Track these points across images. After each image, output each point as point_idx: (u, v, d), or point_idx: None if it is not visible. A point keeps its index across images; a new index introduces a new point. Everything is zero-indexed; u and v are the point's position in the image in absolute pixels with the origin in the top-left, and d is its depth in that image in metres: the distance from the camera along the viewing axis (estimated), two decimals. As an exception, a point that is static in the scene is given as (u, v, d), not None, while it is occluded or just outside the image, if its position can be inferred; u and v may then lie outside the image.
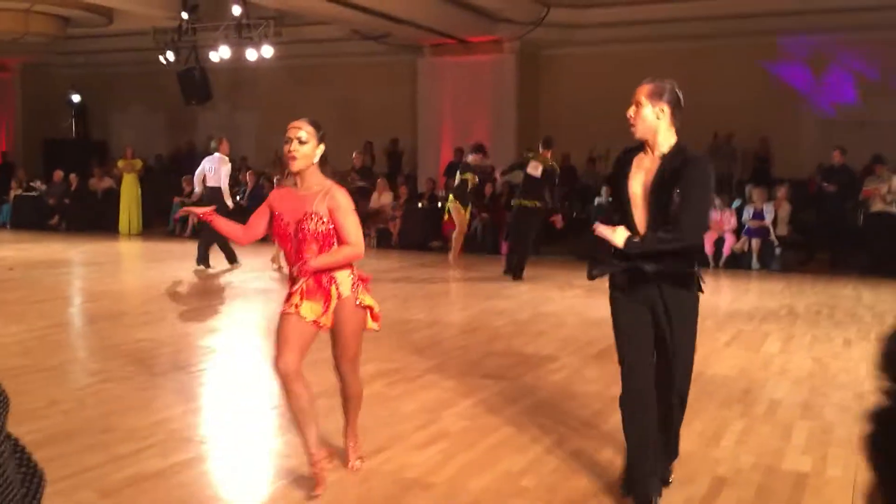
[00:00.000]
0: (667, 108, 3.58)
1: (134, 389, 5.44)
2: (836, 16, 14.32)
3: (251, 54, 16.58)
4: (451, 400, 5.27)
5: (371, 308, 3.95)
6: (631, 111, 3.64)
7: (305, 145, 3.65)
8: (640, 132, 3.61)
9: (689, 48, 16.39)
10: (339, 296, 3.79)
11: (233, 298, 9.55)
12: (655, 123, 3.57)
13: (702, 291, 3.69)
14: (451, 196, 12.35)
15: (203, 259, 11.30)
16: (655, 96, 3.59)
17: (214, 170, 11.28)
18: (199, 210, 4.05)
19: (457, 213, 12.25)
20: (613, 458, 4.26)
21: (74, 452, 4.21)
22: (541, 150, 11.17)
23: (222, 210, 11.57)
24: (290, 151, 3.64)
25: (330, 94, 19.39)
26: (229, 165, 11.57)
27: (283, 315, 3.80)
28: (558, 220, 10.98)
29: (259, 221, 3.88)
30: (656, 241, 3.46)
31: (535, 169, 10.91)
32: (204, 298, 9.56)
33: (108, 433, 4.54)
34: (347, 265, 3.82)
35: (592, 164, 17.08)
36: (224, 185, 11.25)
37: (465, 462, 4.17)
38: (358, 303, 3.87)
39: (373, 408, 5.06)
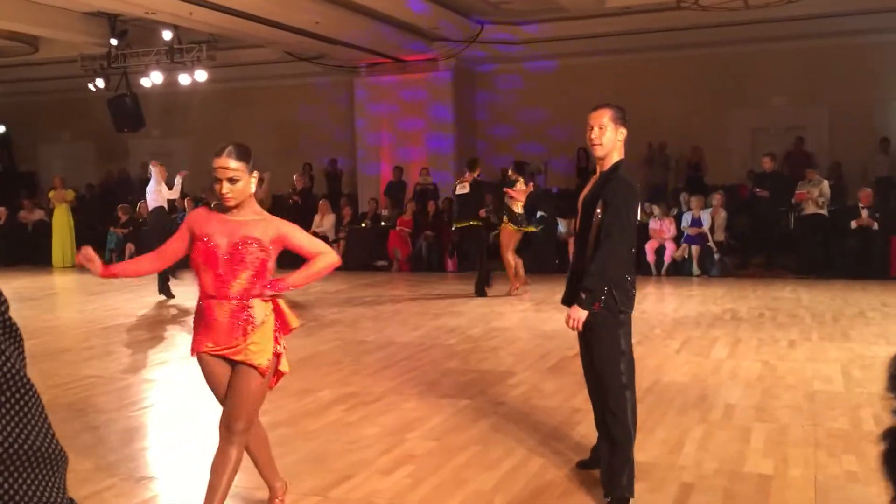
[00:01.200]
0: (624, 131, 3.90)
1: (84, 429, 5.26)
2: (761, 26, 14.79)
3: (184, 79, 16.34)
4: (414, 422, 5.24)
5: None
6: (595, 133, 3.85)
7: (238, 183, 3.35)
8: (602, 152, 3.88)
9: (621, 61, 16.75)
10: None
11: (177, 328, 9.34)
12: (615, 145, 3.87)
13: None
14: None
15: (163, 289, 11.23)
16: (618, 120, 3.88)
17: (155, 191, 11.50)
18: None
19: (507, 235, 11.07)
20: (582, 472, 4.28)
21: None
22: (467, 174, 11.38)
23: (168, 229, 11.50)
24: (223, 194, 3.35)
25: (266, 117, 19.23)
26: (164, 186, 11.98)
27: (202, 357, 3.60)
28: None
29: (178, 245, 3.57)
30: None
31: (462, 188, 11.22)
32: (149, 330, 9.32)
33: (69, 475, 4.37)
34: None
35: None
36: (168, 195, 11.86)
37: (434, 485, 4.14)
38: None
39: (333, 434, 5.01)
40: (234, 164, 3.35)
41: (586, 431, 4.95)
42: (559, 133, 16.93)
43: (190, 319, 9.74)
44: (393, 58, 17.10)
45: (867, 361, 6.70)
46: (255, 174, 3.45)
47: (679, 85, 16.52)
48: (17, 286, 13.55)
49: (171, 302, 11.07)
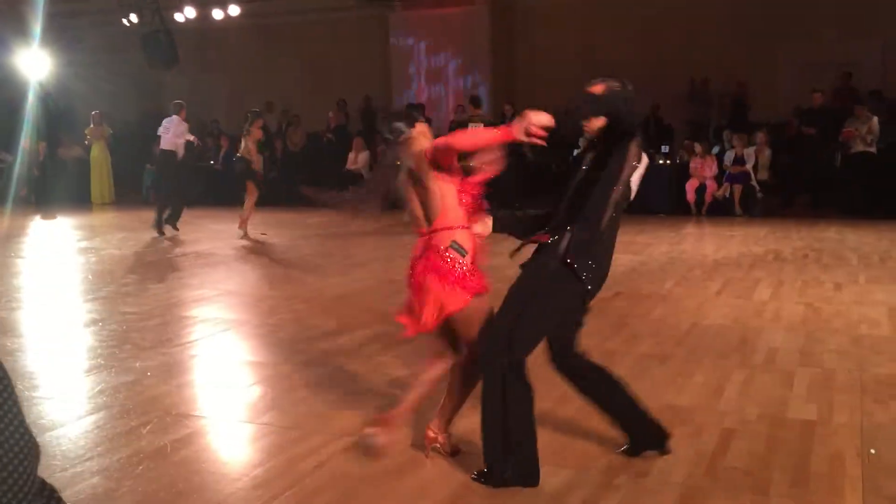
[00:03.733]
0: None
1: (124, 366, 5.30)
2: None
3: (217, 14, 16.15)
4: (448, 362, 5.19)
5: None
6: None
7: None
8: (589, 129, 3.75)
9: (663, -5, 16.18)
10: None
11: (211, 266, 9.37)
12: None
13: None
14: None
15: (172, 219, 11.48)
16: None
17: (171, 132, 11.42)
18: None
19: None
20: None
21: (68, 433, 4.09)
22: (472, 108, 12.51)
23: (173, 172, 11.58)
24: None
25: (300, 53, 19.00)
26: (186, 125, 11.93)
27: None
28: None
29: None
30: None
31: (475, 125, 11.58)
32: (182, 268, 9.37)
33: (102, 412, 4.41)
34: None
35: (566, 116, 16.87)
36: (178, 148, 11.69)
37: (468, 424, 4.09)
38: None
39: (367, 374, 4.98)
40: None
41: (624, 373, 4.87)
42: (601, 71, 16.45)
43: (223, 259, 9.79)
44: (428, -10, 16.71)
45: (916, 305, 6.50)
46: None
47: (724, 16, 15.93)
48: (56, 223, 13.72)
49: (204, 241, 11.11)
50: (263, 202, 12.70)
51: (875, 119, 12.43)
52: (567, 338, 3.69)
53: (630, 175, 3.50)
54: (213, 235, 11.57)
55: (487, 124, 11.85)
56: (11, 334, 6.23)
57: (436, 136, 3.81)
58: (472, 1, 16.87)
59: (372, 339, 5.78)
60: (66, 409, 4.46)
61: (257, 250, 10.26)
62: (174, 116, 11.76)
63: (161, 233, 11.38)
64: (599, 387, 3.74)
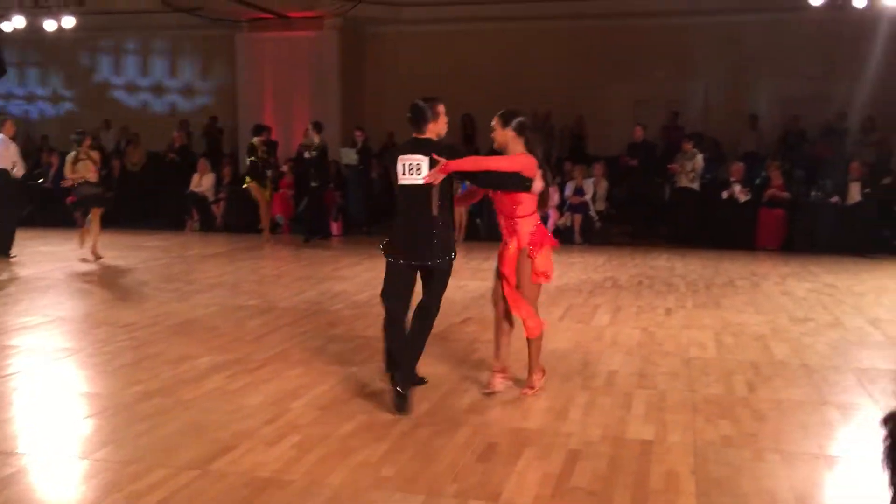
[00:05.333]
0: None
1: (-64, 400, 4.85)
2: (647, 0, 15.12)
3: (50, 24, 15.27)
4: (298, 390, 5.09)
5: None
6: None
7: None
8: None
9: (511, 28, 16.80)
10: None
11: (40, 291, 8.77)
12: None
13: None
14: (246, 178, 13.25)
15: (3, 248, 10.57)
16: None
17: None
18: None
19: (256, 192, 13.06)
20: (469, 440, 4.26)
21: None
22: (314, 133, 13.09)
23: (6, 193, 10.77)
24: None
25: (139, 69, 18.28)
26: (14, 146, 10.93)
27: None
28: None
29: None
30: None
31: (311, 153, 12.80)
32: (6, 293, 8.72)
33: None
34: None
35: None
36: (8, 165, 10.73)
37: (320, 456, 4.03)
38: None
39: (213, 403, 4.81)
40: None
41: (474, 400, 4.95)
42: (447, 98, 16.80)
43: (65, 279, 9.20)
44: (277, 13, 16.51)
45: (737, 329, 7.00)
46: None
47: (565, 55, 16.71)
48: None
49: (30, 265, 10.41)
50: (102, 223, 12.08)
51: (700, 156, 13.35)
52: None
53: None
54: (42, 258, 10.86)
55: (321, 150, 12.99)
56: None
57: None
58: (321, 25, 16.82)
59: (217, 367, 5.58)
60: None
61: (93, 274, 9.71)
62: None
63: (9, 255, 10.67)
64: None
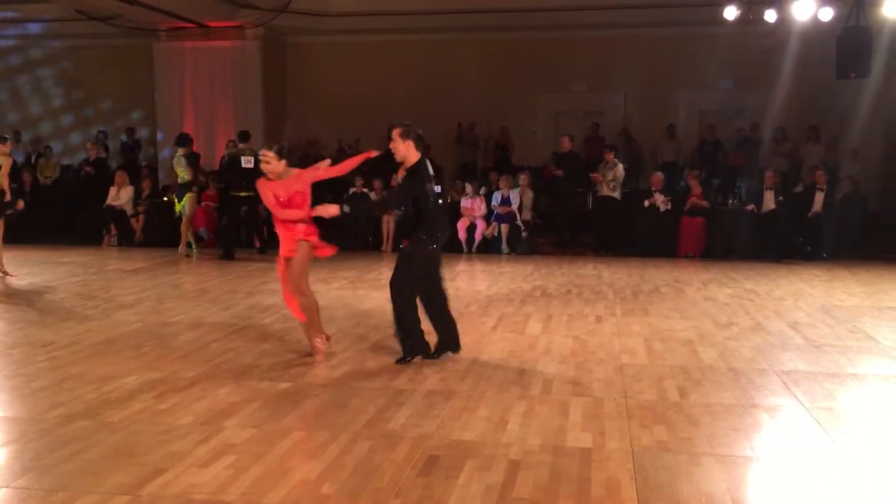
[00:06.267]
0: (411, 142, 5.91)
1: None
2: (565, 14, 15.38)
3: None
4: (230, 408, 4.95)
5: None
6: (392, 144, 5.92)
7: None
8: (398, 158, 5.97)
9: (433, 40, 16.87)
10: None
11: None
12: (405, 151, 5.93)
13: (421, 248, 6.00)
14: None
15: None
16: (405, 135, 5.89)
17: None
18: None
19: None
20: (410, 454, 4.21)
21: None
22: (240, 144, 12.87)
23: None
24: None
25: (53, 80, 17.68)
26: None
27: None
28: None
29: None
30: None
31: (248, 162, 12.31)
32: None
33: None
34: None
35: (342, 153, 17.01)
36: None
37: (256, 476, 3.91)
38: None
39: (141, 425, 4.64)
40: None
41: (412, 412, 4.90)
42: (371, 109, 16.80)
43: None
44: (196, 22, 16.18)
45: (665, 335, 7.13)
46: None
47: (488, 67, 16.88)
48: None
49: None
50: (12, 238, 11.56)
51: (620, 166, 13.62)
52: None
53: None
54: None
55: (256, 157, 12.20)
56: None
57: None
58: (243, 35, 16.56)
59: (144, 386, 5.39)
60: None
61: (4, 293, 9.28)
62: None
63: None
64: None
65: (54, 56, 17.68)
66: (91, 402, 5.06)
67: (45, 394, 5.30)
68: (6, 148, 10.44)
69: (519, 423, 4.74)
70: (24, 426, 4.67)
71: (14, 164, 16.26)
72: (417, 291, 6.05)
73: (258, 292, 9.18)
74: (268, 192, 5.98)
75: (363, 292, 9.23)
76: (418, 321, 6.08)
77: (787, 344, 6.82)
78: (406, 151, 5.88)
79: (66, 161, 17.08)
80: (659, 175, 13.57)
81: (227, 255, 12.23)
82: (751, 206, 12.82)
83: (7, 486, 3.81)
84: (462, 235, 13.22)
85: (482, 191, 13.95)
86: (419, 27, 16.49)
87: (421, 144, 5.94)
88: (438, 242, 6.05)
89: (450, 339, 6.24)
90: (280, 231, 6.07)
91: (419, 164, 5.91)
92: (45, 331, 7.19)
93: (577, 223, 14.14)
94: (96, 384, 5.45)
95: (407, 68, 16.94)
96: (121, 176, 14.43)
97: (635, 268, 11.43)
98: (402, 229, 6.07)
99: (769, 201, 12.75)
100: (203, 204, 13.81)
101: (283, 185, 5.98)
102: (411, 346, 6.06)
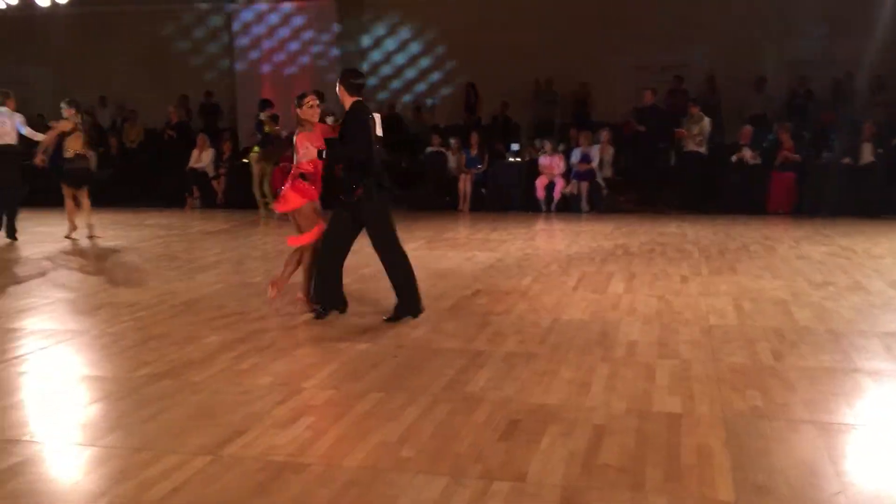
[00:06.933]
0: (342, 87, 5.96)
1: (-64, 387, 4.69)
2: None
3: (43, 1, 14.96)
4: (309, 369, 4.94)
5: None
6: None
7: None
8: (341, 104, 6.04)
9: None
10: None
11: (40, 272, 8.60)
12: (344, 98, 5.97)
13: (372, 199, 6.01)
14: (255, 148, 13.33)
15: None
16: (343, 85, 5.96)
17: (8, 124, 10.16)
18: None
19: (258, 166, 13.19)
20: (490, 418, 4.10)
21: None
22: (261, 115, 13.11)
23: (18, 170, 10.38)
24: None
25: (135, 45, 17.95)
26: (20, 117, 10.50)
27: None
28: None
29: None
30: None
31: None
32: (5, 275, 8.55)
33: None
34: None
35: (418, 112, 16.87)
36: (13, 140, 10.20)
37: (335, 437, 3.87)
38: None
39: (222, 385, 4.65)
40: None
41: (491, 374, 4.79)
42: (447, 68, 16.59)
43: (61, 260, 9.05)
44: (273, -17, 16.20)
45: (755, 294, 6.83)
46: None
47: (566, 19, 16.38)
48: None
49: (28, 246, 10.22)
50: (100, 202, 11.86)
51: (707, 120, 13.11)
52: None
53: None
54: (39, 239, 10.67)
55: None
56: None
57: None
58: (319, -5, 16.51)
59: (225, 347, 5.42)
60: None
61: (93, 255, 9.53)
62: (4, 108, 10.41)
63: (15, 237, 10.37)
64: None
65: (137, 21, 17.95)
66: (174, 362, 5.11)
67: (130, 353, 5.38)
68: (70, 113, 10.48)
69: (602, 386, 4.57)
70: (111, 385, 4.74)
71: (100, 128, 16.79)
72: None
73: (336, 253, 9.17)
74: (307, 143, 6.09)
75: (440, 252, 9.14)
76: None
77: (889, 305, 6.44)
78: (341, 96, 5.95)
79: (149, 126, 17.42)
80: (748, 128, 13.03)
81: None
82: (847, 160, 12.18)
83: (94, 445, 3.86)
84: (540, 194, 12.98)
85: (561, 148, 13.66)
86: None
87: (355, 89, 5.93)
88: (386, 193, 6.05)
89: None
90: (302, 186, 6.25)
91: (356, 106, 5.91)
92: (130, 291, 7.33)
93: (660, 180, 13.71)
94: (179, 344, 5.51)
95: (483, 24, 16.60)
96: (202, 139, 14.64)
97: (721, 225, 11.02)
98: (350, 179, 6.01)
99: (867, 154, 12.09)
100: (282, 164, 13.89)
101: (316, 137, 6.12)
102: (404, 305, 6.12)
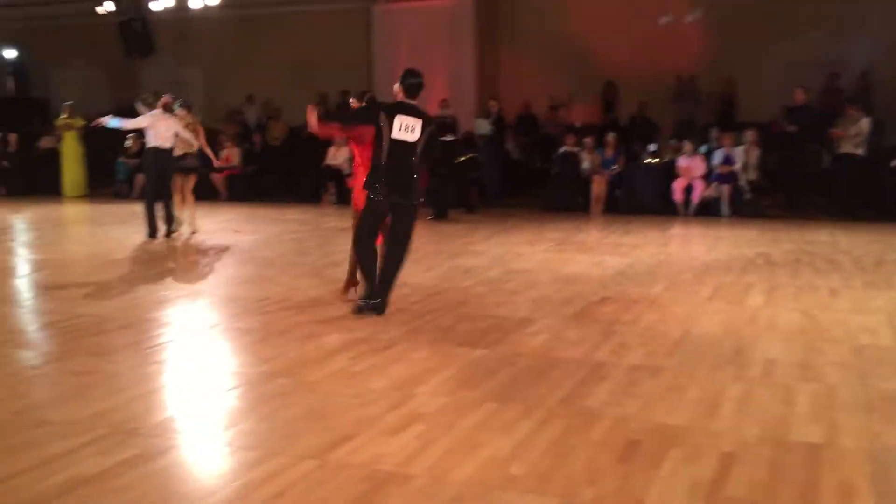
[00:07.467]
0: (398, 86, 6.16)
1: (73, 374, 4.90)
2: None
3: (196, 3, 15.71)
4: (424, 374, 4.83)
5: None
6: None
7: None
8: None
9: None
10: None
11: (187, 266, 8.96)
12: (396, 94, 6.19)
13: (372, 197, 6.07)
14: None
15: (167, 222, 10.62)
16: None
17: (163, 125, 10.42)
18: None
19: None
20: (608, 436, 3.86)
21: (0, 454, 3.70)
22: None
23: (168, 171, 10.71)
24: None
25: (281, 46, 18.57)
26: (173, 120, 10.81)
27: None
28: None
29: None
30: None
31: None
32: (152, 266, 8.96)
33: (41, 428, 4.01)
34: None
35: (554, 111, 16.58)
36: (167, 143, 10.51)
37: (444, 448, 3.74)
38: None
39: (336, 387, 4.62)
40: None
41: (612, 389, 4.54)
42: (585, 64, 16.21)
43: (198, 253, 9.41)
44: (413, -17, 16.34)
45: (915, 313, 6.21)
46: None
47: (711, 14, 15.68)
48: (24, 216, 13.25)
49: (176, 237, 10.67)
50: (240, 197, 12.27)
51: (865, 120, 12.18)
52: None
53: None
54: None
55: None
56: (-42, 337, 5.80)
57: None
58: (457, -6, 16.51)
59: (343, 346, 5.41)
60: None
61: (228, 248, 9.85)
62: (158, 110, 10.48)
63: (172, 232, 10.71)
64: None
65: (282, 22, 18.56)
66: (292, 360, 5.13)
67: (253, 349, 5.46)
68: (183, 114, 10.64)
69: (734, 408, 4.23)
70: (230, 382, 4.80)
71: (246, 126, 17.48)
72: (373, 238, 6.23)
73: (462, 253, 9.09)
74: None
75: (569, 255, 8.88)
76: (370, 269, 6.22)
77: None
78: (395, 95, 6.17)
79: (293, 124, 17.95)
80: (911, 130, 11.99)
81: (440, 215, 12.29)
82: None
83: (207, 442, 3.90)
84: (678, 197, 12.44)
85: (702, 149, 13.06)
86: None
87: (409, 90, 6.10)
88: (376, 193, 6.01)
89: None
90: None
91: (380, 104, 6.34)
92: (261, 286, 7.49)
93: (810, 183, 12.85)
94: (300, 341, 5.55)
95: (624, 20, 16.14)
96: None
97: (879, 234, 10.19)
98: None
99: None
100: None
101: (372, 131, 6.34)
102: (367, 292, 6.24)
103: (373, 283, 6.18)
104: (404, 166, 6.01)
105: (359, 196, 6.35)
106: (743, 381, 4.68)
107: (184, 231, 10.72)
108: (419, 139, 6.01)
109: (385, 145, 5.98)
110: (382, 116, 5.99)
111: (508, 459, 3.62)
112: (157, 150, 10.27)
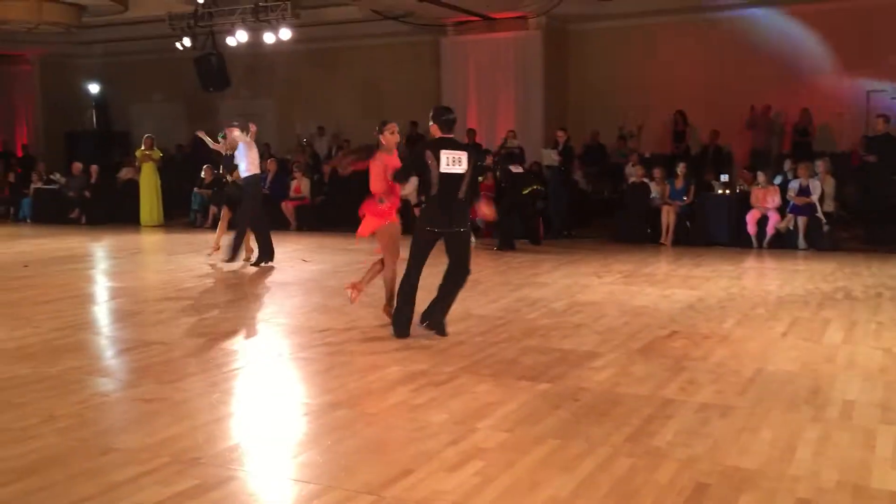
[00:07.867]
0: (432, 124, 6.42)
1: (141, 401, 4.98)
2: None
3: (269, 38, 16.12)
4: (486, 408, 4.75)
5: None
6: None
7: None
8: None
9: (723, 17, 15.75)
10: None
11: (255, 294, 9.08)
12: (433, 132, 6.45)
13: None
14: None
15: (234, 251, 10.64)
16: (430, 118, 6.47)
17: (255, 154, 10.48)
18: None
19: None
20: (675, 478, 3.71)
21: (64, 481, 3.75)
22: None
23: (256, 199, 10.71)
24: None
25: (350, 78, 18.93)
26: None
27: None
28: None
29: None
30: None
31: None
32: (223, 294, 9.10)
33: (106, 456, 4.07)
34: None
35: (623, 141, 16.41)
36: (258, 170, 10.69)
37: (504, 487, 3.65)
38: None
39: (396, 419, 4.57)
40: None
41: (681, 428, 4.38)
42: (653, 95, 16.04)
43: (265, 282, 9.52)
44: (481, 16, 16.47)
45: None
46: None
47: (785, 42, 15.37)
48: (102, 245, 13.67)
49: (250, 268, 10.83)
50: (309, 226, 12.37)
51: (951, 148, 11.68)
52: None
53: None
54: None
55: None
56: (28, 362, 5.96)
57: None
58: (525, 25, 16.56)
59: (404, 378, 5.37)
60: (63, 451, 4.13)
61: (296, 278, 9.95)
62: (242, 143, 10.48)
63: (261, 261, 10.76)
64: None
65: (353, 54, 18.90)
66: (354, 391, 5.12)
67: (317, 379, 5.47)
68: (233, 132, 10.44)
69: (811, 452, 4.03)
70: (293, 412, 4.81)
71: (317, 156, 17.78)
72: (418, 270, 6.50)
73: (528, 285, 8.99)
74: (382, 165, 6.64)
75: (636, 288, 8.69)
76: (407, 302, 6.50)
77: None
78: (432, 132, 6.41)
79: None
80: None
81: (506, 245, 12.21)
82: None
83: (268, 475, 3.89)
84: (752, 229, 12.11)
85: (777, 180, 12.71)
86: (705, 5, 15.45)
87: (445, 126, 6.34)
88: (429, 226, 6.37)
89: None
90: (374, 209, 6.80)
91: (425, 141, 6.55)
92: (325, 316, 7.53)
93: (891, 215, 12.36)
94: (361, 373, 5.53)
95: (696, 50, 15.94)
96: (406, 167, 15.01)
97: (967, 269, 9.70)
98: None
99: None
100: (482, 194, 13.95)
101: (392, 160, 6.65)
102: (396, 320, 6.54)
103: (412, 308, 6.51)
104: (455, 197, 6.30)
105: (369, 224, 6.88)
106: (820, 422, 4.46)
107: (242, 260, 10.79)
108: (467, 170, 6.31)
109: (434, 180, 6.25)
110: (428, 154, 6.25)
111: (570, 499, 3.51)
112: (257, 178, 10.50)
